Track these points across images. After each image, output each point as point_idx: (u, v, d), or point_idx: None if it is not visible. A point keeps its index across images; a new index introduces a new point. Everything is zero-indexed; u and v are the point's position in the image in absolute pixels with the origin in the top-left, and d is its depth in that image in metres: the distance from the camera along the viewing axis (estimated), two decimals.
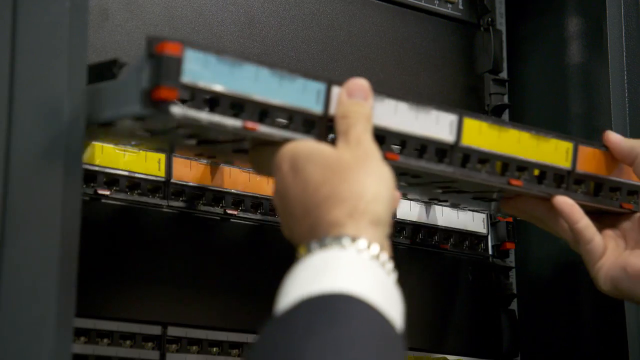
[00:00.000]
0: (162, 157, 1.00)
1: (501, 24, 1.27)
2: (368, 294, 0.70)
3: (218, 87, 0.78)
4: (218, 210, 1.02)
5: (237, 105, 0.79)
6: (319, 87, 0.83)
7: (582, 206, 0.98)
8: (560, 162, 0.96)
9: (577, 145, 0.97)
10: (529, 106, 1.26)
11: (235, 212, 1.03)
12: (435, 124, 0.89)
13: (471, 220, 1.20)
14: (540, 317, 1.17)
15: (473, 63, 1.25)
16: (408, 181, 0.95)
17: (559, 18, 1.23)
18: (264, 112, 0.81)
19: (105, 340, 0.95)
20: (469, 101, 1.23)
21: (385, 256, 0.75)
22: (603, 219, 1.01)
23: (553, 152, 0.96)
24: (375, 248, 0.74)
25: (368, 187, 0.76)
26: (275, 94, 0.81)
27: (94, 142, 0.94)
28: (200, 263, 1.01)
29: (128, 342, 0.96)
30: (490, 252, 1.21)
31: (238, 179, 1.04)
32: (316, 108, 0.82)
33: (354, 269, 0.72)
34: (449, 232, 1.18)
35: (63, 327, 0.77)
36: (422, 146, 0.89)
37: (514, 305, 1.20)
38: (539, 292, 1.20)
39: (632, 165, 0.99)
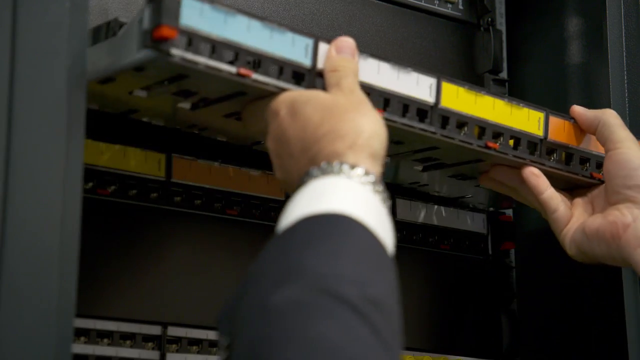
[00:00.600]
0: (162, 157, 1.00)
1: (501, 24, 1.27)
2: (364, 217, 0.74)
3: (213, 34, 0.82)
4: (218, 210, 1.02)
5: (231, 52, 0.83)
6: (307, 41, 0.87)
7: (556, 174, 1.02)
8: (533, 130, 1.00)
9: (548, 115, 1.01)
10: None
11: (235, 212, 1.03)
12: (416, 85, 0.93)
13: (471, 220, 1.20)
14: (540, 317, 1.17)
15: (473, 63, 1.25)
16: (392, 151, 0.97)
17: (559, 18, 1.23)
18: (257, 61, 0.85)
19: (105, 340, 0.95)
20: None
21: (380, 186, 0.79)
22: (576, 189, 1.05)
23: (526, 120, 1.00)
24: (372, 177, 0.78)
25: (365, 125, 0.81)
26: (267, 44, 0.85)
27: (92, 140, 0.94)
28: (200, 263, 1.01)
29: (128, 342, 0.96)
30: (490, 252, 1.21)
31: (238, 179, 1.04)
32: (305, 61, 0.87)
33: (351, 193, 0.76)
34: (449, 232, 1.18)
35: (63, 327, 0.77)
36: (404, 105, 0.93)
37: (514, 305, 1.21)
38: (539, 292, 1.20)
39: (595, 133, 1.03)
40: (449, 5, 1.23)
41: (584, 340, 1.12)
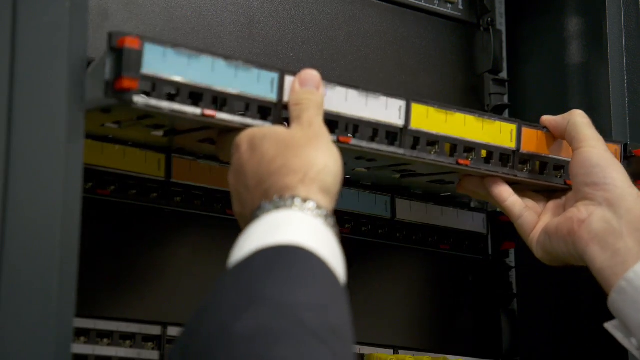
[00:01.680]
0: (162, 157, 1.00)
1: (501, 24, 1.27)
2: (318, 248, 0.76)
3: (177, 78, 0.84)
4: (218, 210, 1.02)
5: (195, 94, 0.85)
6: (272, 76, 0.88)
7: (529, 184, 1.04)
8: (505, 142, 1.02)
9: (521, 127, 1.03)
10: (529, 106, 1.26)
11: None
12: (385, 109, 0.95)
13: (471, 220, 1.20)
14: (540, 317, 1.17)
15: (473, 63, 1.25)
16: (365, 165, 1.01)
17: (559, 18, 1.23)
18: (222, 100, 0.86)
19: (105, 340, 0.95)
20: (469, 101, 1.23)
21: (332, 219, 0.81)
22: (552, 194, 1.07)
23: (498, 133, 1.02)
24: (324, 211, 0.80)
25: (318, 160, 0.82)
26: (232, 83, 0.86)
27: (92, 140, 0.94)
28: (200, 263, 1.01)
29: (128, 342, 0.96)
30: (490, 252, 1.21)
31: None
32: (271, 96, 0.88)
33: (305, 225, 0.78)
34: (449, 232, 1.18)
35: (63, 327, 0.77)
36: (373, 130, 0.94)
37: (514, 305, 1.20)
38: (539, 292, 1.20)
39: (565, 134, 1.04)
40: (449, 5, 1.23)
41: (583, 340, 1.12)
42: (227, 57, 0.86)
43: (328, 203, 0.81)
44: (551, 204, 1.06)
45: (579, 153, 1.01)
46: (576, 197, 1.01)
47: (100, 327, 0.94)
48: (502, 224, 1.21)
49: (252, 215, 0.81)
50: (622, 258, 0.96)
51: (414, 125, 0.96)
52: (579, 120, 1.03)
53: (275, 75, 0.88)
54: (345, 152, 0.90)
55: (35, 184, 0.78)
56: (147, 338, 0.97)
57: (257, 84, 0.88)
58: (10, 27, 0.79)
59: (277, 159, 0.82)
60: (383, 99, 0.95)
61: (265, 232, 0.77)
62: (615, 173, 0.99)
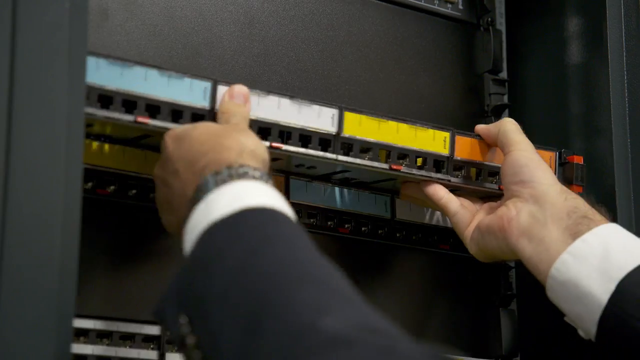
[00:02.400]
0: None
1: (501, 24, 1.27)
2: (284, 208, 0.81)
3: (110, 87, 0.88)
4: None
5: (129, 102, 0.90)
6: (205, 85, 0.93)
7: (464, 188, 1.10)
8: (438, 149, 1.07)
9: (454, 135, 1.08)
10: (529, 106, 1.26)
11: None
12: (317, 117, 0.99)
13: None
14: (540, 317, 1.17)
15: (473, 63, 1.25)
16: (307, 172, 1.06)
17: (559, 18, 1.23)
18: (155, 107, 0.91)
19: (105, 340, 0.95)
20: (469, 101, 1.23)
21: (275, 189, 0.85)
22: (488, 197, 1.12)
23: (431, 140, 1.06)
24: (268, 177, 0.85)
25: (248, 142, 0.87)
26: (165, 91, 0.91)
27: (92, 140, 0.95)
28: None
29: (128, 342, 0.96)
30: None
31: None
32: (203, 103, 0.93)
33: (266, 191, 0.82)
34: (449, 232, 1.18)
35: (63, 327, 0.77)
36: (306, 137, 0.99)
37: (514, 305, 1.20)
38: (539, 292, 1.20)
39: (497, 141, 1.09)
40: (449, 5, 1.23)
41: (583, 340, 1.11)
42: (160, 68, 0.91)
43: (267, 171, 0.86)
44: (486, 205, 1.11)
45: (509, 156, 1.07)
46: (506, 197, 1.07)
47: (100, 327, 0.94)
48: None
49: (198, 190, 0.83)
50: (545, 246, 1.01)
51: (347, 132, 1.01)
52: (508, 127, 1.08)
53: (208, 84, 0.93)
54: (282, 158, 0.98)
55: (35, 184, 0.78)
56: (147, 338, 0.97)
57: (190, 92, 0.93)
58: (10, 27, 0.79)
59: (209, 141, 0.86)
60: (316, 107, 1.00)
61: (233, 199, 0.80)
62: (540, 172, 1.05)
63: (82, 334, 0.93)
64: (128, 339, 0.96)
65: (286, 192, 1.06)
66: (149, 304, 0.97)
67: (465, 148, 1.09)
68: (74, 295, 0.78)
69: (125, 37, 1.00)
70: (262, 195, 0.82)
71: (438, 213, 1.17)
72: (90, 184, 0.95)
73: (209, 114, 0.93)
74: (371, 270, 1.11)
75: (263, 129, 0.96)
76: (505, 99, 1.25)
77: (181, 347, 0.75)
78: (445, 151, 1.07)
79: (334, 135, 1.00)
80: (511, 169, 1.06)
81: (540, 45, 1.25)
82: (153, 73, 0.91)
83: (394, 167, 1.04)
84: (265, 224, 0.78)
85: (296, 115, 0.98)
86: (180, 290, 0.77)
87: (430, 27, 1.22)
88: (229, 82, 0.94)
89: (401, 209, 1.14)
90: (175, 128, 0.90)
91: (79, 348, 0.92)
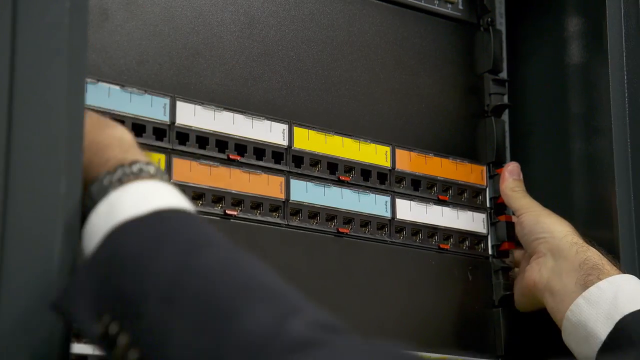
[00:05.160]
0: (162, 157, 1.00)
1: (501, 24, 1.27)
2: (187, 206, 0.80)
3: None
4: (218, 210, 1.02)
5: None
6: (164, 101, 1.00)
7: (406, 196, 1.15)
8: (381, 162, 1.13)
9: (394, 148, 1.14)
10: (529, 106, 1.26)
11: (235, 212, 1.03)
12: (269, 132, 1.06)
13: (471, 220, 1.20)
14: (539, 317, 1.17)
15: (473, 63, 1.25)
16: None
17: (559, 18, 1.23)
18: (120, 122, 0.92)
19: None
20: (469, 101, 1.23)
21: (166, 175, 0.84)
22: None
23: (373, 154, 1.13)
24: (162, 172, 0.83)
25: (124, 134, 0.85)
26: (127, 107, 0.98)
27: None
28: None
29: None
30: (490, 252, 1.21)
31: (238, 179, 1.04)
32: (164, 118, 1.00)
33: (167, 191, 0.80)
34: (449, 232, 1.18)
35: (63, 326, 0.77)
36: (260, 150, 1.05)
37: (513, 305, 1.20)
38: None
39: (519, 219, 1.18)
40: (449, 5, 1.23)
41: None
42: (122, 85, 0.97)
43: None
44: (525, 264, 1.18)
45: (521, 220, 1.16)
46: (529, 253, 1.16)
47: None
48: (502, 224, 1.21)
49: (93, 190, 0.80)
50: (560, 297, 1.09)
51: (297, 145, 1.08)
52: (509, 194, 1.19)
53: (167, 101, 1.00)
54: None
55: (35, 184, 0.78)
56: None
57: (151, 107, 0.99)
58: (10, 27, 0.79)
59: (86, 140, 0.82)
60: (267, 122, 1.06)
61: (138, 201, 0.78)
62: (553, 225, 1.14)
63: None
64: None
65: (286, 192, 1.06)
66: None
67: (404, 160, 1.15)
68: None
69: (125, 37, 1.00)
70: (170, 195, 0.80)
71: (438, 213, 1.17)
72: None
73: (170, 128, 1.00)
74: (371, 270, 1.11)
75: (221, 142, 1.02)
76: (505, 99, 1.25)
77: (109, 346, 0.73)
78: (387, 164, 1.14)
79: (286, 148, 1.07)
80: (526, 229, 1.16)
81: (540, 45, 1.25)
82: (115, 90, 0.97)
83: (342, 178, 1.10)
84: (188, 226, 0.77)
85: (250, 130, 1.05)
86: (96, 289, 0.74)
87: (430, 27, 1.22)
88: (186, 98, 1.01)
89: (401, 209, 1.14)
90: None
91: (79, 348, 0.92)
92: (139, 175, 0.80)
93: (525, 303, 1.16)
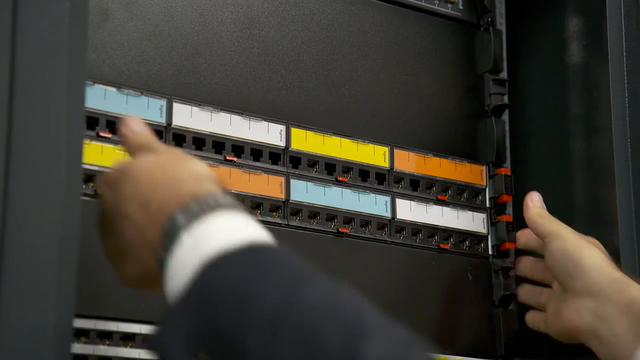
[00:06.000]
0: None
1: (501, 24, 1.27)
2: (270, 238, 0.78)
3: None
4: None
5: (91, 119, 0.94)
6: (161, 103, 1.00)
7: (404, 196, 1.14)
8: (379, 162, 1.13)
9: (393, 149, 1.14)
10: (529, 106, 1.25)
11: None
12: (267, 133, 1.06)
13: (471, 220, 1.20)
14: None
15: (473, 63, 1.25)
16: None
17: (559, 18, 1.23)
18: (115, 124, 0.94)
19: (105, 341, 0.95)
20: (469, 101, 1.23)
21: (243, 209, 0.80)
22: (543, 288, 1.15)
23: (372, 154, 1.13)
24: (239, 204, 0.80)
25: (198, 168, 0.82)
26: (123, 109, 0.97)
27: (93, 142, 0.95)
28: None
29: (128, 342, 0.96)
30: (490, 252, 1.21)
31: (238, 179, 1.04)
32: (160, 120, 1.00)
33: (250, 223, 0.78)
34: (449, 232, 1.18)
35: (63, 327, 0.77)
36: (257, 151, 1.05)
37: (513, 306, 1.20)
38: None
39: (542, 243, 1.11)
40: (449, 5, 1.23)
41: None
42: (119, 86, 0.97)
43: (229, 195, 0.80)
44: (553, 299, 1.12)
45: (549, 248, 1.09)
46: (562, 287, 1.09)
47: (100, 327, 0.94)
48: (502, 224, 1.21)
49: (167, 229, 0.77)
50: (613, 345, 1.02)
51: (294, 146, 1.08)
52: (538, 220, 1.12)
53: (163, 102, 1.00)
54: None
55: (35, 184, 0.78)
56: (147, 338, 0.97)
57: (147, 110, 0.99)
58: (10, 27, 0.79)
59: (155, 176, 0.80)
60: (265, 123, 1.06)
61: (228, 231, 0.75)
62: (584, 259, 1.06)
63: (82, 334, 0.93)
64: (128, 339, 0.96)
65: (286, 192, 1.06)
66: (149, 304, 0.98)
67: (404, 161, 1.15)
68: (73, 295, 0.78)
69: (125, 37, 1.00)
70: (254, 228, 0.78)
71: (438, 213, 1.17)
72: (90, 184, 0.95)
73: (166, 130, 1.00)
74: (371, 270, 1.11)
75: (217, 144, 1.02)
76: (506, 99, 1.25)
77: None
78: (385, 164, 1.13)
79: (283, 149, 1.07)
80: (556, 261, 1.08)
81: (540, 45, 1.25)
82: (111, 91, 0.97)
83: (340, 178, 1.10)
84: (286, 260, 0.74)
85: (247, 131, 1.05)
86: (191, 324, 0.71)
87: (431, 27, 1.22)
88: (185, 99, 1.01)
89: (401, 209, 1.14)
90: (106, 173, 0.86)
91: (79, 348, 0.92)
92: (215, 207, 0.77)
93: (566, 340, 1.10)
